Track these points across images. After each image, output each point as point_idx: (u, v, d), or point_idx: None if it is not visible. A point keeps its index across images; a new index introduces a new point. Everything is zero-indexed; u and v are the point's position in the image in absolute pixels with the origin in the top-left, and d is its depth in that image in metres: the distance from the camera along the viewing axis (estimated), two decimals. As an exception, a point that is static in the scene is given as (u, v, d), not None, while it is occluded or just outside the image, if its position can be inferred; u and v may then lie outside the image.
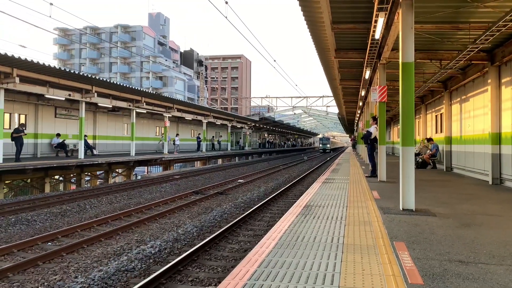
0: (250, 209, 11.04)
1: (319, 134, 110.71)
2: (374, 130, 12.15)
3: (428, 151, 16.88)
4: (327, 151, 72.25)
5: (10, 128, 17.84)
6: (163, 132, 29.57)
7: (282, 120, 57.42)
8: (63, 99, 18.60)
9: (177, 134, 31.24)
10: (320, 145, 76.86)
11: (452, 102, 15.29)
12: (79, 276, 5.88)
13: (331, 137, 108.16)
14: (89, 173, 21.09)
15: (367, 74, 13.33)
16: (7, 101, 17.76)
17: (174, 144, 29.75)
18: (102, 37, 72.83)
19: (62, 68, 15.31)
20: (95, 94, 18.84)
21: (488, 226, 5.27)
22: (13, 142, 16.06)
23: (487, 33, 7.88)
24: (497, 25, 7.34)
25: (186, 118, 31.33)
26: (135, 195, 14.73)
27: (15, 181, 17.35)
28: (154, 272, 5.70)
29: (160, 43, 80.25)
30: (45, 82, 16.50)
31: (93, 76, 17.22)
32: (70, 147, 20.84)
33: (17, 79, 14.45)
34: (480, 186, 10.22)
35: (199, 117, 32.61)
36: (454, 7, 7.87)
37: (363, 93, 18.00)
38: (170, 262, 6.18)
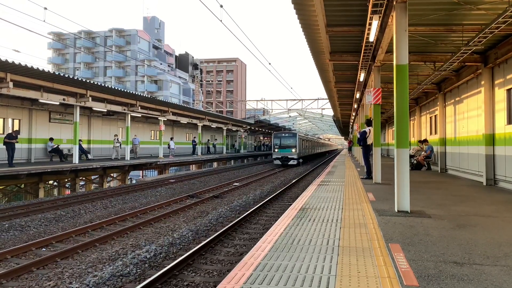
0: (246, 212, 11.02)
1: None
2: (368, 131, 12.24)
3: (422, 153, 16.95)
4: (291, 162, 34.54)
5: (3, 133, 17.72)
6: (116, 134, 25.24)
7: (277, 123, 57.41)
8: (58, 103, 18.51)
9: (172, 138, 31.15)
10: (275, 149, 35.46)
11: (446, 103, 15.37)
12: (74, 282, 5.84)
13: (324, 137, 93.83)
14: (83, 178, 20.96)
15: (361, 76, 13.38)
16: (0, 106, 17.67)
17: (169, 147, 29.64)
18: (96, 41, 72.62)
19: (57, 73, 15.23)
20: (90, 98, 18.77)
21: (483, 227, 5.28)
22: (5, 146, 15.95)
23: (480, 35, 7.94)
24: (490, 27, 7.40)
25: (181, 121, 31.28)
26: (130, 199, 14.66)
27: (8, 187, 17.20)
28: (150, 277, 5.67)
29: (155, 47, 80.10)
30: (39, 87, 16.41)
31: (88, 80, 17.14)
32: (64, 152, 20.71)
33: (10, 84, 14.36)
34: (474, 187, 10.26)
35: (194, 121, 32.58)
36: (448, 10, 7.93)
37: (358, 95, 18.05)
38: (166, 266, 6.14)
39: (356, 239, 4.71)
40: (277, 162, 35.44)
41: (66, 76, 15.77)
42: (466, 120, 13.02)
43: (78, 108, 18.96)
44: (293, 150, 34.77)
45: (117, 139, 24.21)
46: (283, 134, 36.96)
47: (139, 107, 23.33)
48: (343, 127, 53.15)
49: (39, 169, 15.73)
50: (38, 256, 7.38)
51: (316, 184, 11.07)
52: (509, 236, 4.79)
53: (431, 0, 7.69)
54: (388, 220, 5.74)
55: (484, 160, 10.59)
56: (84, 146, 22.63)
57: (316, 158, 53.88)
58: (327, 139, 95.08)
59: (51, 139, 19.97)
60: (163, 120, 27.62)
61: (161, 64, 76.60)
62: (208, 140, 42.14)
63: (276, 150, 35.50)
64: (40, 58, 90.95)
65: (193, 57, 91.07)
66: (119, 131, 26.78)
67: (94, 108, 21.41)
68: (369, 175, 12.35)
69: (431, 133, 18.22)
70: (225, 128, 40.41)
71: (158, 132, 29.51)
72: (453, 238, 4.66)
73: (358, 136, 12.41)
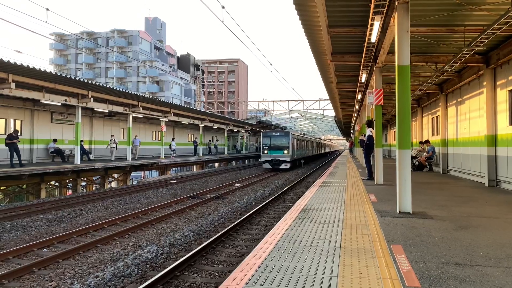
0: (247, 213, 11.01)
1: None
2: (370, 133, 12.23)
3: (424, 154, 16.91)
4: (283, 166, 29.32)
5: (5, 134, 17.75)
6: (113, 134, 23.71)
7: (279, 124, 57.28)
8: (59, 104, 18.53)
9: (173, 139, 31.16)
10: (264, 151, 30.05)
11: (448, 104, 15.34)
12: (75, 283, 5.84)
13: (325, 138, 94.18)
14: (85, 179, 20.98)
15: (363, 77, 13.36)
16: (2, 107, 17.71)
17: (170, 148, 29.67)
18: (98, 42, 72.76)
19: (58, 73, 15.24)
20: (91, 99, 18.78)
21: (485, 228, 5.27)
22: (7, 147, 15.98)
23: (482, 36, 7.92)
24: (492, 28, 7.38)
25: (182, 122, 31.28)
26: (132, 200, 14.66)
27: (10, 187, 17.23)
28: (151, 278, 5.67)
29: (157, 48, 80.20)
30: (41, 88, 16.42)
31: (89, 81, 17.15)
32: (66, 153, 20.72)
33: (12, 85, 14.37)
34: (476, 188, 10.23)
35: (196, 121, 32.58)
36: (450, 10, 7.92)
37: (359, 96, 18.04)
38: (167, 267, 6.14)
39: (358, 240, 4.70)
40: (267, 165, 29.71)
41: (68, 76, 15.79)
42: (468, 121, 12.99)
43: (79, 109, 18.99)
44: (286, 151, 29.35)
45: (114, 139, 23.08)
46: (274, 133, 31.02)
47: (141, 108, 23.34)
48: (345, 128, 53.08)
49: (40, 169, 15.75)
50: (39, 256, 7.39)
51: (318, 185, 11.06)
52: (511, 237, 4.77)
53: (433, 1, 7.68)
54: (390, 221, 5.73)
55: (486, 161, 10.56)
56: (86, 146, 22.65)
57: (316, 160, 50.95)
58: (328, 140, 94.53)
59: (55, 140, 20.01)
60: (165, 121, 27.64)
61: (162, 65, 76.71)
62: (210, 140, 42.16)
63: (265, 151, 29.82)
64: (42, 59, 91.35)
65: (194, 58, 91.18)
66: (120, 131, 26.80)
67: (95, 109, 21.43)
68: (370, 176, 12.34)
69: (433, 134, 18.19)
70: (227, 129, 40.41)
71: (159, 132, 29.52)
72: (455, 239, 4.64)
73: (367, 141, 12.34)
